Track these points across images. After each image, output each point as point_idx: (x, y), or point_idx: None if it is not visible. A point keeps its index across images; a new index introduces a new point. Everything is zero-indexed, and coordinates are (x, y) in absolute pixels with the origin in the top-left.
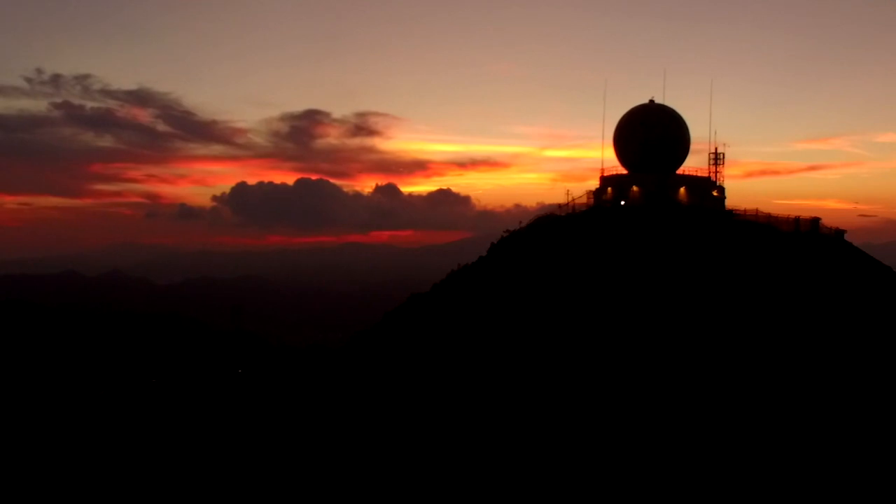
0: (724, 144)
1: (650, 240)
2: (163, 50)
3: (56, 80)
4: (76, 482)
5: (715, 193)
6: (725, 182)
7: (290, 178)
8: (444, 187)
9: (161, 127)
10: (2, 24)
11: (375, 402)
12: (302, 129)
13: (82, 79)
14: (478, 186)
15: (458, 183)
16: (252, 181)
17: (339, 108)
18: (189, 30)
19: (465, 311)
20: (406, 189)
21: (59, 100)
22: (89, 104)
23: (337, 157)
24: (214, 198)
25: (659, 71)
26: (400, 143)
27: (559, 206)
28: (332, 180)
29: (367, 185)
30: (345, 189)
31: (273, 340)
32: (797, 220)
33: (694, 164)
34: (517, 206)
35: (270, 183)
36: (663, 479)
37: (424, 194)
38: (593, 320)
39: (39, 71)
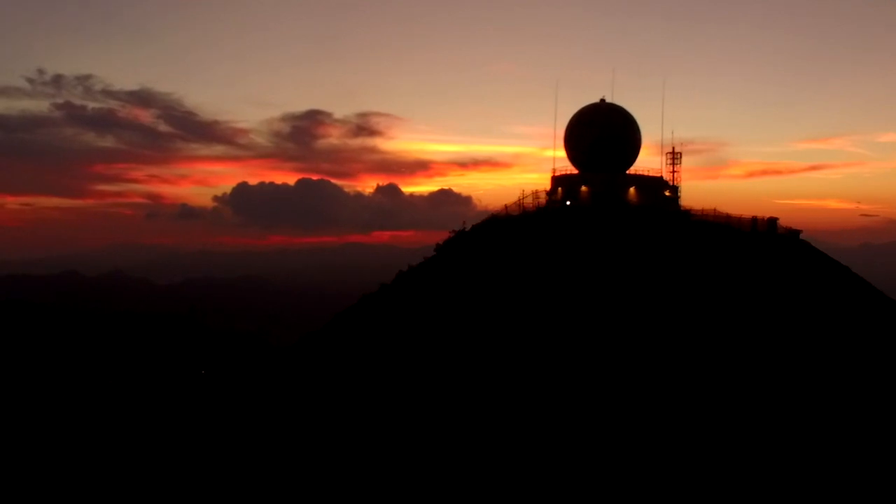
0: (682, 144)
1: (593, 240)
2: (164, 50)
3: (57, 80)
4: (75, 482)
5: (667, 193)
6: (683, 182)
7: (291, 179)
8: (446, 187)
9: (162, 127)
10: (3, 24)
11: (309, 403)
12: (303, 129)
13: (84, 79)
14: (479, 186)
15: (460, 183)
16: (253, 181)
17: (341, 108)
18: (190, 30)
19: (410, 311)
20: (407, 189)
21: (60, 100)
22: (91, 104)
23: (338, 157)
24: (215, 198)
25: (658, 71)
26: (401, 143)
27: (506, 206)
28: (333, 180)
29: (368, 185)
30: (346, 189)
31: (273, 340)
32: (754, 219)
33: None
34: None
35: (271, 183)
36: (603, 477)
37: (426, 194)
38: (524, 320)
39: (41, 71)
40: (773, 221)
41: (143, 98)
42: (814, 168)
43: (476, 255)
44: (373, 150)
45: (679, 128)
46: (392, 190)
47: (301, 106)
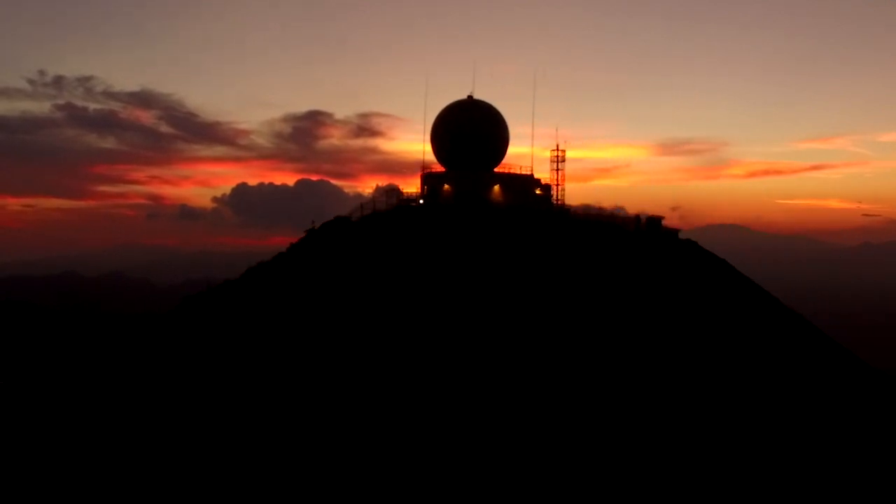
0: (566, 141)
1: (439, 240)
2: (165, 51)
3: (59, 81)
4: (73, 482)
5: (538, 192)
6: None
7: (291, 179)
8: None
9: (164, 128)
10: (4, 26)
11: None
12: (304, 129)
13: (85, 80)
14: None
15: None
16: (255, 182)
17: (342, 108)
18: (191, 31)
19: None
20: (408, 190)
21: (61, 101)
22: (92, 106)
23: (339, 157)
24: (215, 199)
25: (655, 71)
26: (403, 143)
27: (361, 205)
28: (334, 181)
29: (369, 185)
30: (346, 190)
31: None
32: (637, 218)
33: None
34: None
35: (271, 184)
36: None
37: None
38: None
39: (42, 73)
40: (656, 220)
41: (144, 99)
42: (815, 168)
43: (315, 256)
44: (374, 150)
45: (680, 127)
46: (392, 190)
47: (302, 106)
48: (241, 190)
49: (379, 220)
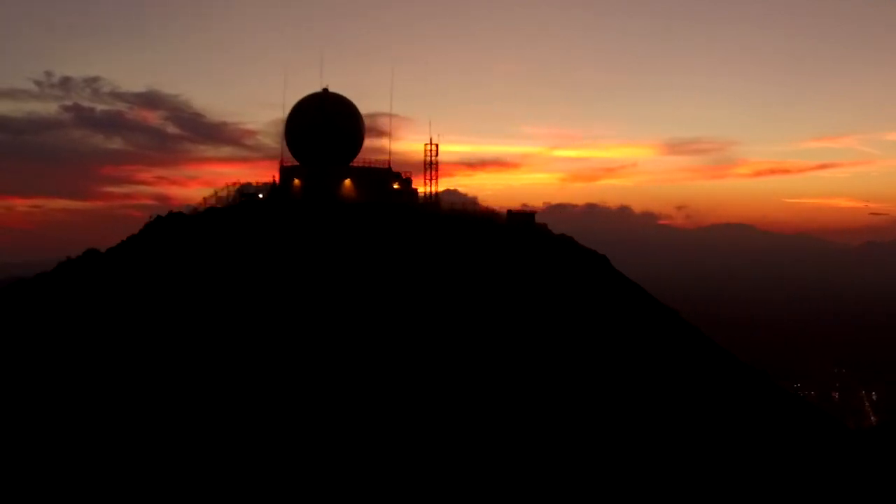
0: (439, 135)
1: (270, 236)
2: (172, 52)
3: (65, 82)
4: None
5: (396, 186)
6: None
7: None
8: (451, 188)
9: (170, 129)
10: (11, 27)
11: None
12: None
13: (92, 81)
14: (487, 186)
15: (468, 183)
16: (260, 182)
17: None
18: (197, 32)
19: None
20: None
21: (68, 102)
22: (99, 107)
23: None
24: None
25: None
26: (409, 143)
27: (204, 198)
28: None
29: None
30: None
31: None
32: (509, 213)
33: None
34: (524, 205)
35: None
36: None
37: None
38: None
39: (49, 74)
40: (528, 216)
41: (150, 100)
42: (822, 167)
43: (130, 254)
44: (380, 150)
45: (686, 127)
46: (247, 186)
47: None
48: (245, 191)
49: (214, 216)
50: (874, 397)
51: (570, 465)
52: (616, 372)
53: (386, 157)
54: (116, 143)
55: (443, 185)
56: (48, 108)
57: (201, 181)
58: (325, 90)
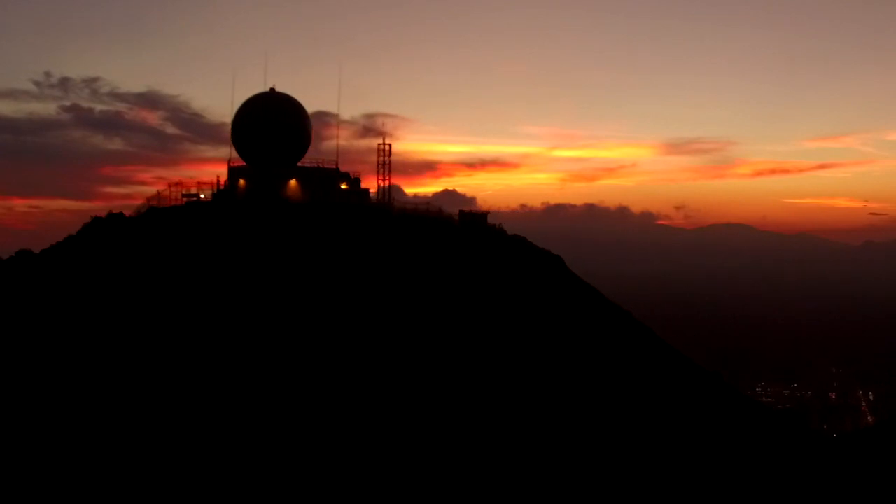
0: (389, 134)
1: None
2: (171, 52)
3: (65, 83)
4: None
5: (344, 186)
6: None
7: None
8: (451, 188)
9: (170, 129)
10: (10, 28)
11: None
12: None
13: (91, 82)
14: (487, 187)
15: (468, 183)
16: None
17: (348, 109)
18: (197, 32)
19: None
20: (411, 190)
21: (67, 103)
22: (98, 107)
23: (345, 158)
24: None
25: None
26: (409, 143)
27: (147, 199)
28: None
29: (374, 186)
30: None
31: None
32: (461, 213)
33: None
34: (523, 206)
35: None
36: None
37: (430, 195)
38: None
39: (48, 74)
40: (480, 216)
41: (150, 100)
42: (822, 167)
43: (76, 253)
44: (380, 150)
45: (686, 127)
46: (394, 190)
47: (308, 107)
48: None
49: (154, 216)
50: (871, 397)
51: (505, 467)
52: (559, 374)
53: (386, 157)
54: (116, 144)
55: (442, 185)
56: (48, 108)
57: (201, 181)
58: (272, 90)
